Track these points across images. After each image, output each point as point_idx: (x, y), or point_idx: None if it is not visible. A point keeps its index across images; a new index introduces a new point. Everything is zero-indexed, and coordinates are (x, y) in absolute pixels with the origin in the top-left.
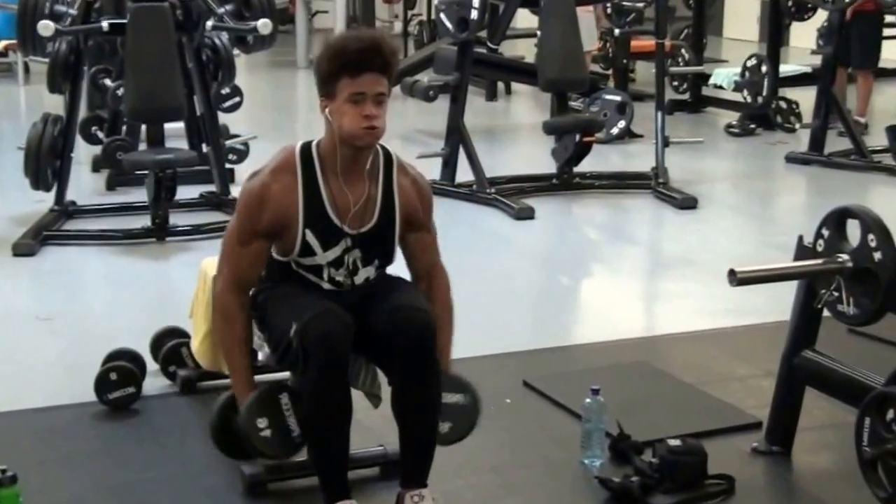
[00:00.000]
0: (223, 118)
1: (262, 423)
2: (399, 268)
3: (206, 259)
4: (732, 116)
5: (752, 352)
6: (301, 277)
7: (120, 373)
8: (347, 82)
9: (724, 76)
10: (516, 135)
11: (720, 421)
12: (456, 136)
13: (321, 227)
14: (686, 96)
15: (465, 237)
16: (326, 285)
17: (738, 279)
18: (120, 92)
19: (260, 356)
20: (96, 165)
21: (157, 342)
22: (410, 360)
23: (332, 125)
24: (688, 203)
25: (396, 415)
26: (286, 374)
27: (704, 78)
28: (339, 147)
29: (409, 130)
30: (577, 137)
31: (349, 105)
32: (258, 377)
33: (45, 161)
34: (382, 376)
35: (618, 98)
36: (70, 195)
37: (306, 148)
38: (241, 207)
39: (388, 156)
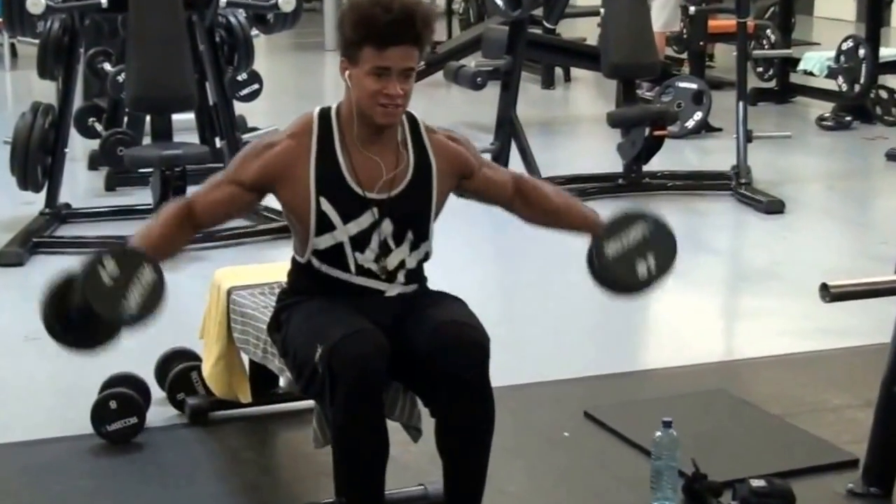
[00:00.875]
0: (239, 108)
1: (111, 268)
2: (439, 282)
3: (220, 270)
4: (825, 107)
5: (848, 379)
6: (326, 280)
7: (120, 401)
8: (372, 53)
9: (815, 61)
10: (576, 128)
11: (811, 458)
12: (507, 130)
13: (338, 195)
14: (772, 84)
15: (517, 246)
16: (357, 279)
17: (831, 294)
18: (121, 78)
19: (281, 382)
20: (93, 162)
21: (164, 366)
22: (458, 385)
23: (350, 91)
24: (774, 207)
25: (441, 450)
26: (311, 403)
27: (793, 63)
28: (357, 118)
29: (454, 122)
30: (647, 131)
31: (371, 79)
32: (281, 405)
33: (35, 157)
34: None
35: (693, 86)
36: (63, 196)
37: (325, 112)
38: (237, 155)
39: (412, 119)
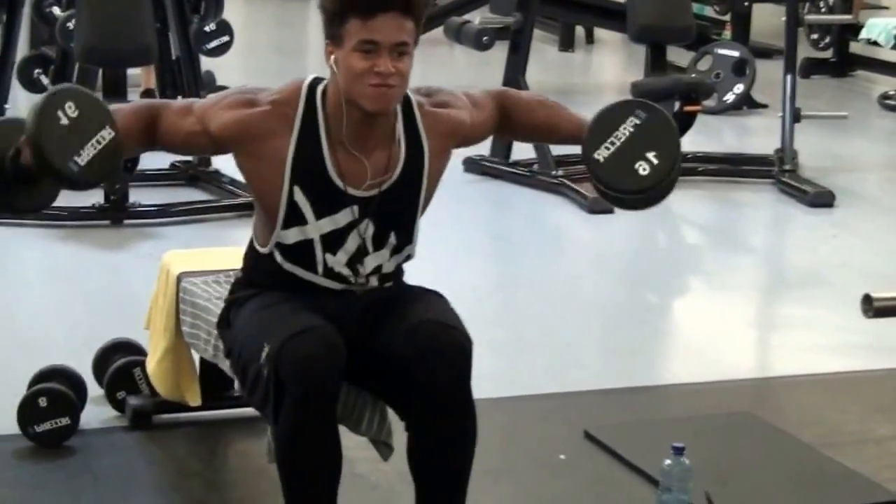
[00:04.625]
0: (206, 63)
1: (71, 111)
2: (424, 274)
3: (171, 252)
4: (890, 84)
5: (895, 405)
6: (287, 277)
7: (51, 398)
8: (357, 26)
9: (880, 28)
10: (598, 98)
11: (847, 496)
12: None
13: (315, 187)
14: (828, 54)
15: (519, 235)
16: (323, 281)
17: (875, 308)
18: (71, 25)
19: (236, 384)
20: None
21: (103, 359)
22: (434, 395)
23: (336, 79)
24: (821, 199)
25: (414, 470)
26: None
27: (854, 30)
28: (346, 107)
29: (454, 88)
30: (678, 105)
31: (358, 56)
32: (234, 410)
33: None
34: (395, 418)
35: (735, 53)
36: None
37: (315, 86)
38: (216, 95)
39: (406, 102)
